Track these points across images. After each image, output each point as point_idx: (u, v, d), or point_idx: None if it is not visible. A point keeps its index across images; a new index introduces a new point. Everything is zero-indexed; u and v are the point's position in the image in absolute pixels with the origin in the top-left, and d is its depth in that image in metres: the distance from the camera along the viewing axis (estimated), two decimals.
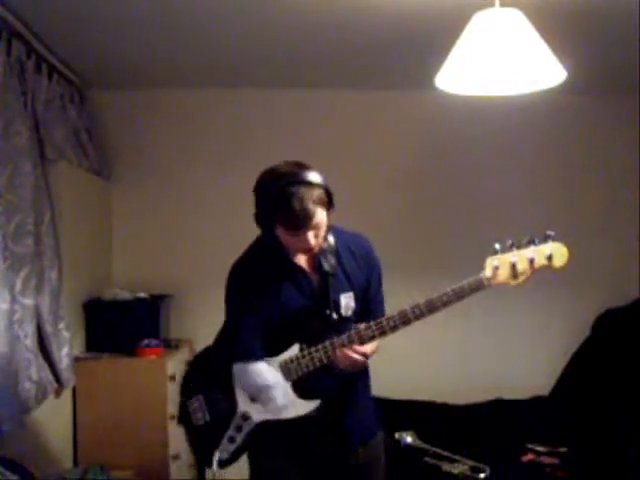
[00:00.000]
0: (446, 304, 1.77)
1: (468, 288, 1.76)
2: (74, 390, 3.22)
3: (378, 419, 2.12)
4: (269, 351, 1.92)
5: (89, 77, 3.62)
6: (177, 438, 3.13)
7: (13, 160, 2.55)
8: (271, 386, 1.89)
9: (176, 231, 3.95)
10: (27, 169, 2.64)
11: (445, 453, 3.04)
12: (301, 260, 1.94)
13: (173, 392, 3.02)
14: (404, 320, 1.80)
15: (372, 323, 1.84)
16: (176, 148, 3.97)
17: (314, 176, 1.80)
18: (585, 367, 3.83)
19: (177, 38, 3.04)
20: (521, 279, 1.73)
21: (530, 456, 3.09)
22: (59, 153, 3.08)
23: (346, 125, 4.03)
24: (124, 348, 3.32)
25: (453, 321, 3.28)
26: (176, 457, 3.29)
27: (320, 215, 1.79)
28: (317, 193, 1.78)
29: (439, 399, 3.81)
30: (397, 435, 3.19)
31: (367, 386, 2.09)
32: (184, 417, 2.10)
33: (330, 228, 1.89)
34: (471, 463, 2.95)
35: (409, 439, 3.17)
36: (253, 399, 1.94)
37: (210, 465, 1.98)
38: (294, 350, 1.90)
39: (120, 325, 3.40)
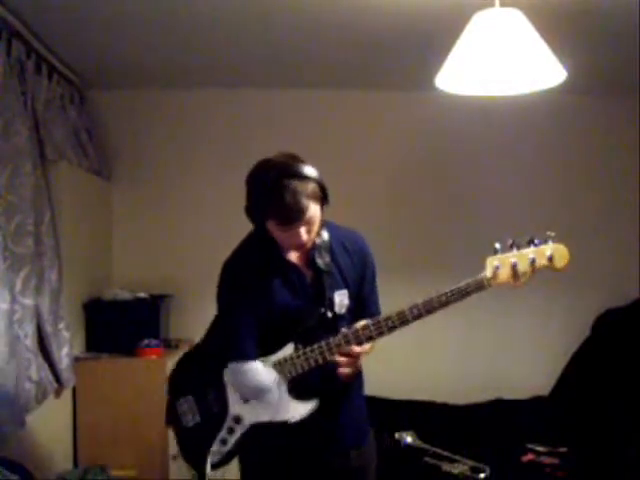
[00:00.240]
0: (446, 304, 1.74)
1: (469, 288, 1.73)
2: (74, 390, 3.22)
3: (370, 420, 2.07)
4: (262, 350, 1.86)
5: (89, 77, 3.62)
6: None
7: (13, 160, 2.55)
8: (266, 387, 1.84)
9: (176, 231, 3.95)
10: (27, 169, 2.64)
11: (445, 453, 3.04)
12: (294, 256, 1.89)
13: None
14: (402, 320, 1.76)
15: (370, 323, 1.80)
16: (176, 148, 3.97)
17: (308, 169, 1.75)
18: (585, 367, 3.83)
19: (177, 38, 3.04)
20: (522, 280, 1.72)
21: (530, 456, 3.09)
22: (59, 153, 3.08)
23: (346, 125, 4.03)
24: (124, 348, 3.31)
25: (453, 321, 3.29)
26: (176, 457, 3.28)
27: (313, 210, 1.74)
28: (311, 187, 1.73)
29: (439, 399, 3.81)
30: (397, 435, 3.19)
31: (360, 386, 2.05)
32: (173, 418, 2.03)
33: (324, 224, 1.85)
34: (471, 463, 2.95)
35: (409, 439, 3.16)
36: (246, 400, 1.89)
37: (201, 469, 1.90)
38: (289, 349, 1.85)
39: (120, 325, 3.40)
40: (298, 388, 1.86)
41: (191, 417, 1.97)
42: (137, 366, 3.27)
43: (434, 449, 3.08)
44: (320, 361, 1.82)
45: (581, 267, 3.32)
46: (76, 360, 3.14)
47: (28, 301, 2.62)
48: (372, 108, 4.02)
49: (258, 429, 1.89)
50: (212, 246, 3.93)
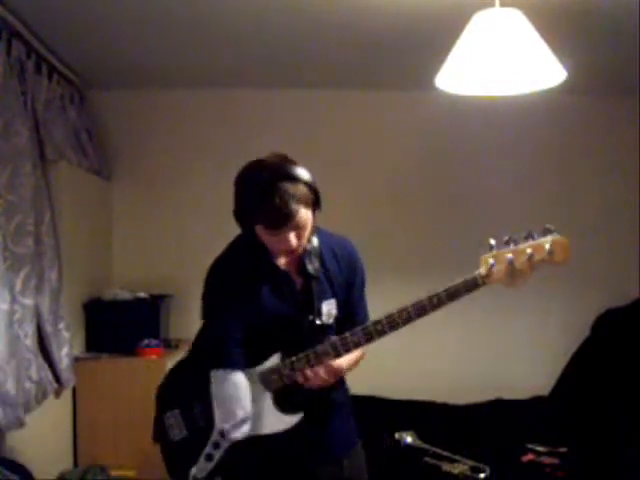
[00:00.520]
0: (437, 306, 1.62)
1: (461, 288, 1.60)
2: (74, 390, 3.22)
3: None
4: (249, 359, 1.80)
5: (89, 77, 3.62)
6: None
7: (13, 160, 2.55)
8: (250, 400, 1.76)
9: (176, 231, 3.95)
10: (27, 169, 2.64)
11: (445, 453, 3.04)
12: (284, 262, 1.81)
13: None
14: (391, 325, 1.67)
15: (358, 329, 1.72)
16: (176, 148, 3.97)
17: (300, 172, 1.65)
18: (585, 367, 3.82)
19: (177, 38, 3.04)
20: (521, 281, 1.59)
21: (530, 456, 3.09)
22: (59, 153, 3.08)
23: (346, 125, 4.03)
24: (124, 348, 3.31)
25: (453, 321, 3.28)
26: None
27: (303, 214, 1.65)
28: (302, 190, 1.64)
29: (439, 399, 3.81)
30: (397, 435, 3.19)
31: (345, 392, 2.00)
32: (160, 433, 1.95)
33: (314, 229, 1.77)
34: (471, 463, 2.94)
35: (409, 439, 3.16)
36: (230, 413, 1.78)
37: None
38: (275, 359, 1.79)
39: (120, 325, 3.40)
40: (284, 398, 1.81)
41: (178, 431, 1.91)
42: (137, 366, 3.27)
43: (434, 449, 3.08)
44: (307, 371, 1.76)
45: (581, 267, 3.34)
46: (76, 360, 3.14)
47: (28, 301, 2.62)
48: (372, 108, 4.02)
49: (243, 443, 1.80)
50: (212, 246, 3.92)
